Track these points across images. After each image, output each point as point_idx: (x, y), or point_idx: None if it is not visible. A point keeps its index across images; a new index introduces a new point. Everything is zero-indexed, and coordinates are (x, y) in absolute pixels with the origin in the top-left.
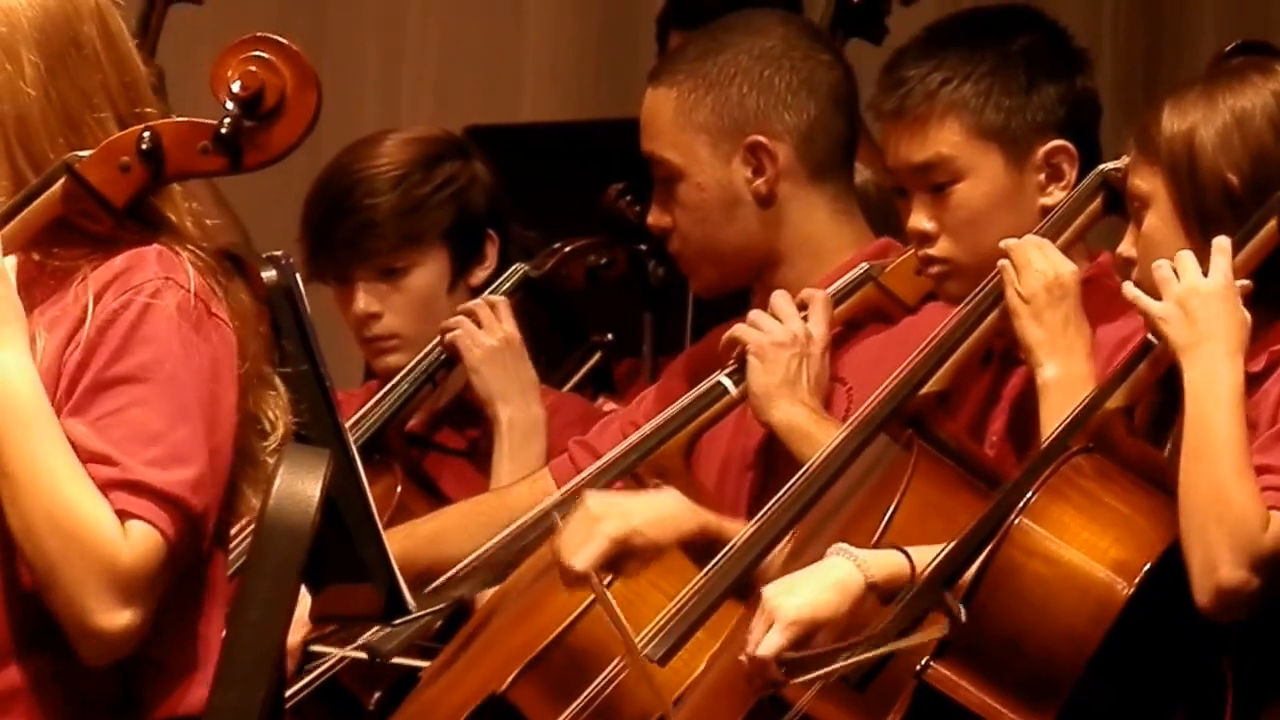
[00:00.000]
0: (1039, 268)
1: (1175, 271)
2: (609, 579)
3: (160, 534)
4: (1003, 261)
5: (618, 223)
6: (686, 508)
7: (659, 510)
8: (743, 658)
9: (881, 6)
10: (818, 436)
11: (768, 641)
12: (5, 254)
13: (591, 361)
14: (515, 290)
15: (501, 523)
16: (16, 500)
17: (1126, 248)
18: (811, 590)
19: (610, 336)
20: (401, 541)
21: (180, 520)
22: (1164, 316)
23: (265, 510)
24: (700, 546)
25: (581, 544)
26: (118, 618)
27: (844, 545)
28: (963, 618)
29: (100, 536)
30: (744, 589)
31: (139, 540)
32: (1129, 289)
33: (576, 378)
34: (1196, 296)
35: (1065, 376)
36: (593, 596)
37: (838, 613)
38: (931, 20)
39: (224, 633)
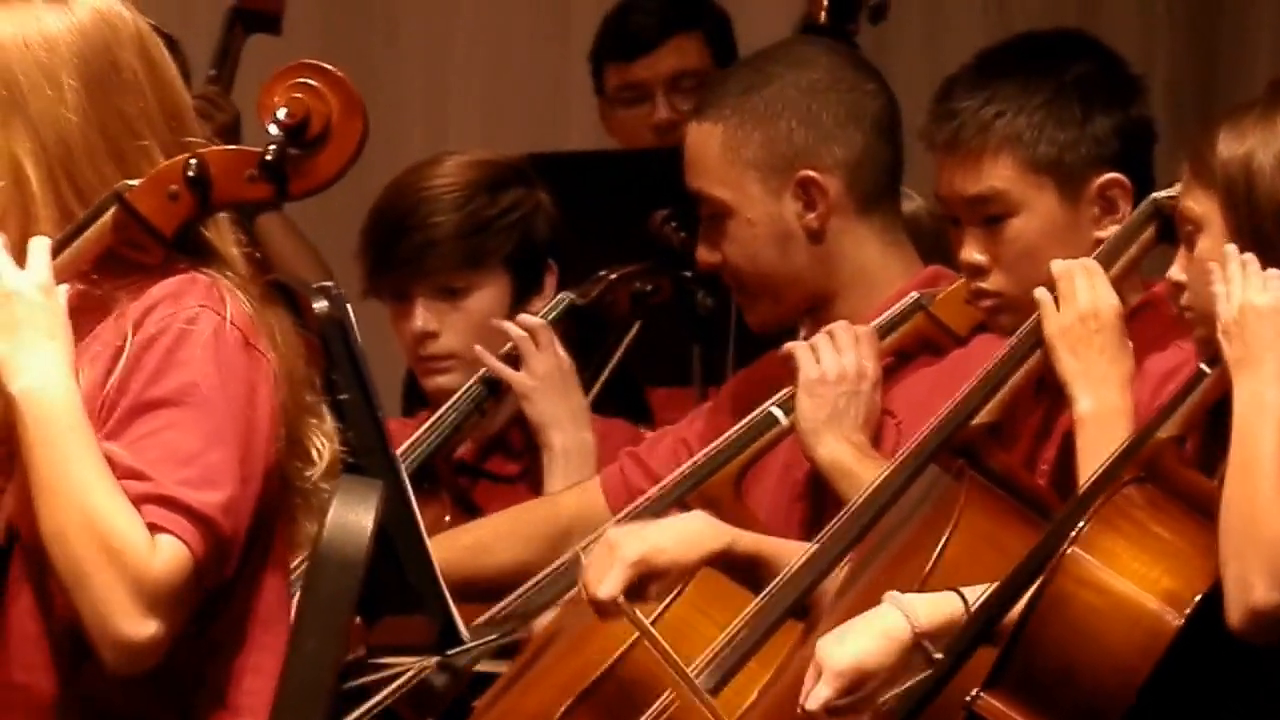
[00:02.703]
0: (1080, 298)
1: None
2: (659, 609)
3: (189, 550)
4: (1039, 295)
5: (663, 249)
6: (712, 526)
7: (681, 530)
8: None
9: (848, 29)
10: (861, 475)
11: (816, 694)
12: (57, 284)
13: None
14: (561, 319)
15: (548, 530)
16: (50, 508)
17: (1176, 272)
18: (859, 640)
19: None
20: (443, 552)
21: (209, 540)
22: (1225, 330)
23: (319, 542)
24: (742, 564)
25: (603, 574)
26: (143, 628)
27: (894, 594)
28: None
29: (132, 546)
30: (801, 610)
31: (168, 554)
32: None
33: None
34: (1252, 312)
35: (1100, 410)
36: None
37: (885, 662)
38: (979, 45)
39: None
